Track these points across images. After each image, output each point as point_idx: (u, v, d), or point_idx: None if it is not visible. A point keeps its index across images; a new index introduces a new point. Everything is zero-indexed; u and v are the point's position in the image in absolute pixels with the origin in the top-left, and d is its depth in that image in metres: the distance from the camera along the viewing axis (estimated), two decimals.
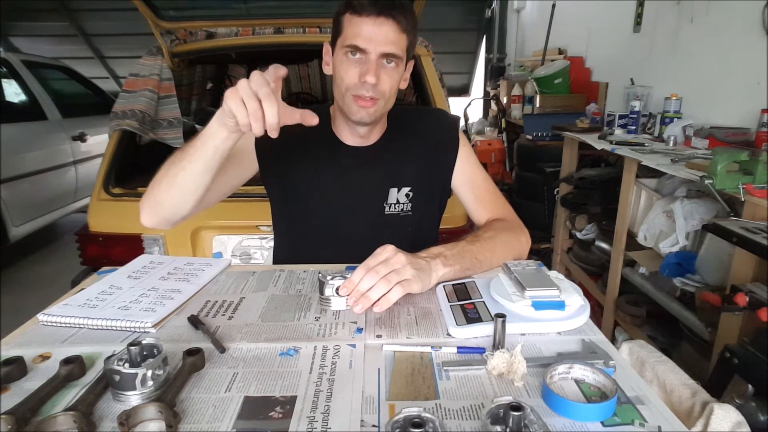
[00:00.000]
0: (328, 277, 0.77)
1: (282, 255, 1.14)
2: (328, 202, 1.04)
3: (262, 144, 1.02)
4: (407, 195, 1.05)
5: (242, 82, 0.69)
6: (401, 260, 0.74)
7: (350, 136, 1.03)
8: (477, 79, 6.52)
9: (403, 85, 0.98)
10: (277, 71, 0.72)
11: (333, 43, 0.94)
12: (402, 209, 1.05)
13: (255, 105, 0.68)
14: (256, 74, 0.70)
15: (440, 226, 1.17)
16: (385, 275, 0.71)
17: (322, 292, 0.76)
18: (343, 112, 0.96)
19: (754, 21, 1.90)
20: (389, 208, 1.04)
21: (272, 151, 1.03)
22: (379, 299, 0.71)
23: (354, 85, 0.90)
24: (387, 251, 0.74)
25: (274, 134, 0.71)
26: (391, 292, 0.71)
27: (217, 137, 0.78)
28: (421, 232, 1.07)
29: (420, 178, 1.05)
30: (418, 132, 1.07)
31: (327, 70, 0.97)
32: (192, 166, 0.82)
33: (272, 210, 1.13)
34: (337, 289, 0.75)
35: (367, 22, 0.86)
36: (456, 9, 5.38)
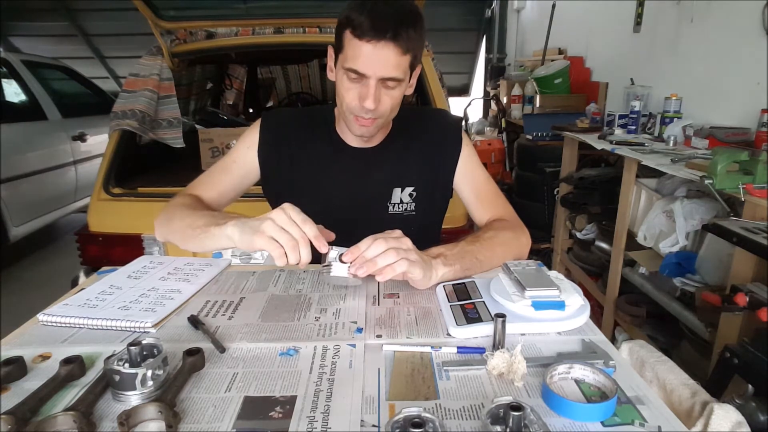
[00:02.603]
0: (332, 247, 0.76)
1: None
2: (332, 202, 1.04)
3: (266, 150, 1.03)
4: (411, 195, 1.05)
5: (267, 223, 0.71)
6: (408, 243, 0.75)
7: (354, 137, 1.03)
8: (477, 79, 6.51)
9: (409, 92, 0.97)
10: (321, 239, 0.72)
11: (336, 52, 0.93)
12: (405, 209, 1.05)
13: (287, 236, 0.69)
14: (278, 212, 0.71)
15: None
16: (393, 246, 0.72)
17: (323, 260, 0.75)
18: (345, 123, 0.98)
19: (754, 21, 1.90)
20: (393, 207, 1.05)
21: (276, 156, 1.03)
22: (384, 268, 0.71)
23: (354, 107, 0.90)
24: (395, 233, 0.75)
25: (302, 266, 0.72)
26: (397, 263, 0.71)
27: (228, 246, 0.79)
28: (423, 232, 1.07)
29: (423, 178, 1.06)
30: (421, 132, 1.07)
31: (331, 76, 0.96)
32: (202, 248, 0.85)
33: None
34: (340, 257, 0.74)
35: (367, 46, 0.83)
36: (456, 9, 5.39)
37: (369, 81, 0.86)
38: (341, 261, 0.74)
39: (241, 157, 1.04)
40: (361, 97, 0.87)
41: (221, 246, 0.80)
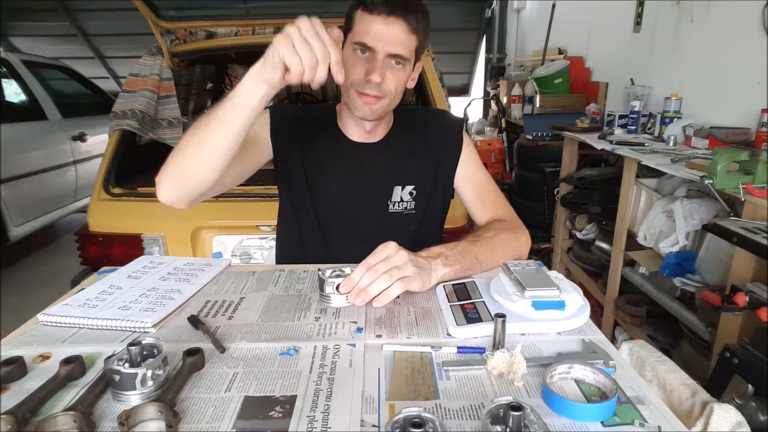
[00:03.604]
0: (327, 272, 0.77)
1: (286, 252, 1.14)
2: (333, 198, 1.04)
3: (277, 134, 1.02)
4: (411, 193, 1.05)
5: (292, 28, 0.67)
6: (403, 257, 0.74)
7: (356, 132, 1.04)
8: (477, 79, 6.52)
9: (411, 85, 0.98)
10: (333, 33, 0.70)
11: (345, 33, 0.93)
12: (405, 207, 1.05)
13: (309, 51, 0.66)
14: (304, 20, 0.68)
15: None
16: (385, 271, 0.72)
17: (322, 289, 0.76)
18: (348, 106, 0.97)
19: (754, 21, 1.90)
20: (393, 206, 1.05)
21: (285, 143, 1.03)
22: (379, 294, 0.72)
23: (359, 82, 0.90)
24: (388, 248, 0.75)
25: (315, 86, 0.70)
26: (391, 287, 0.72)
27: (254, 96, 0.73)
28: (423, 231, 1.07)
29: (424, 177, 1.06)
30: (422, 131, 1.08)
31: None
32: (223, 128, 0.76)
33: (280, 206, 1.12)
34: (337, 287, 0.75)
35: (378, 20, 0.86)
36: (456, 9, 5.39)
37: (377, 55, 0.88)
38: (338, 292, 0.75)
39: (254, 133, 0.99)
40: (368, 71, 0.89)
41: (250, 100, 0.73)
